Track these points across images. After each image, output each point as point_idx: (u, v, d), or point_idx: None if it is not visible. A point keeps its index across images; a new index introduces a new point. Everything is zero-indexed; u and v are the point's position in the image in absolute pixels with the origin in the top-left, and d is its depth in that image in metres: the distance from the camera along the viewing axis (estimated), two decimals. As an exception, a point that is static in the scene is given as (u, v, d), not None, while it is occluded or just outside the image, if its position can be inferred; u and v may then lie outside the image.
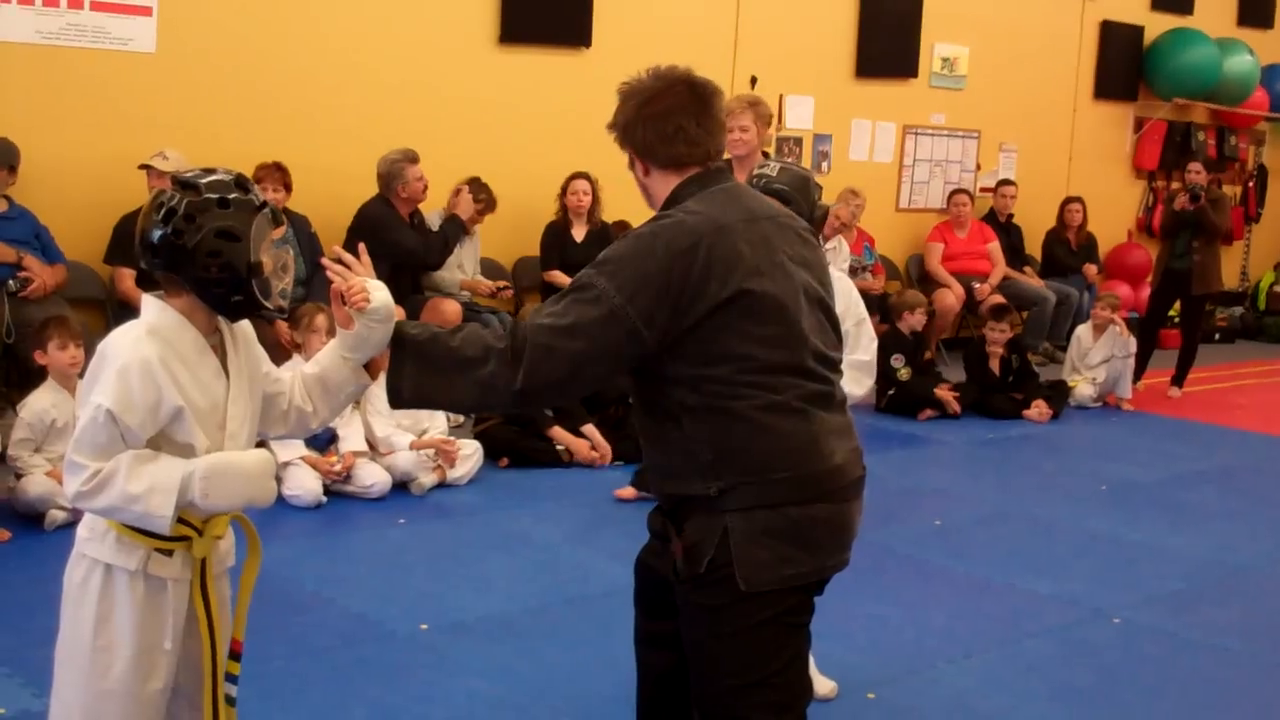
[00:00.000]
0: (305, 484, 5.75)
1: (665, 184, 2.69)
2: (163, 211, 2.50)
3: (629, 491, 6.01)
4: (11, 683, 3.85)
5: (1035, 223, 11.39)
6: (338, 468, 5.86)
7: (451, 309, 7.44)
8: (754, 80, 9.70)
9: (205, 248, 2.46)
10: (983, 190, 11.30)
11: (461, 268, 7.96)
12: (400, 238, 7.34)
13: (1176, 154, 12.83)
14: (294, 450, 5.84)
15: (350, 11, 7.75)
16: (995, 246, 10.65)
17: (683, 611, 2.71)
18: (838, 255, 9.68)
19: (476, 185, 7.87)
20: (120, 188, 6.81)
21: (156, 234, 2.50)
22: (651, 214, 2.69)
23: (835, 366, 2.72)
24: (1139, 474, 7.26)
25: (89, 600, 2.47)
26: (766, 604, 2.58)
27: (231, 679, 2.64)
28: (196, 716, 2.59)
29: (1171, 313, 10.08)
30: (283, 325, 6.73)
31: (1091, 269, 11.34)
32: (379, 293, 2.65)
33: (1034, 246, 11.41)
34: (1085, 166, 12.15)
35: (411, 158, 7.39)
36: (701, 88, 2.67)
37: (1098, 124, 12.27)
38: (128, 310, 6.70)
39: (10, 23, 6.64)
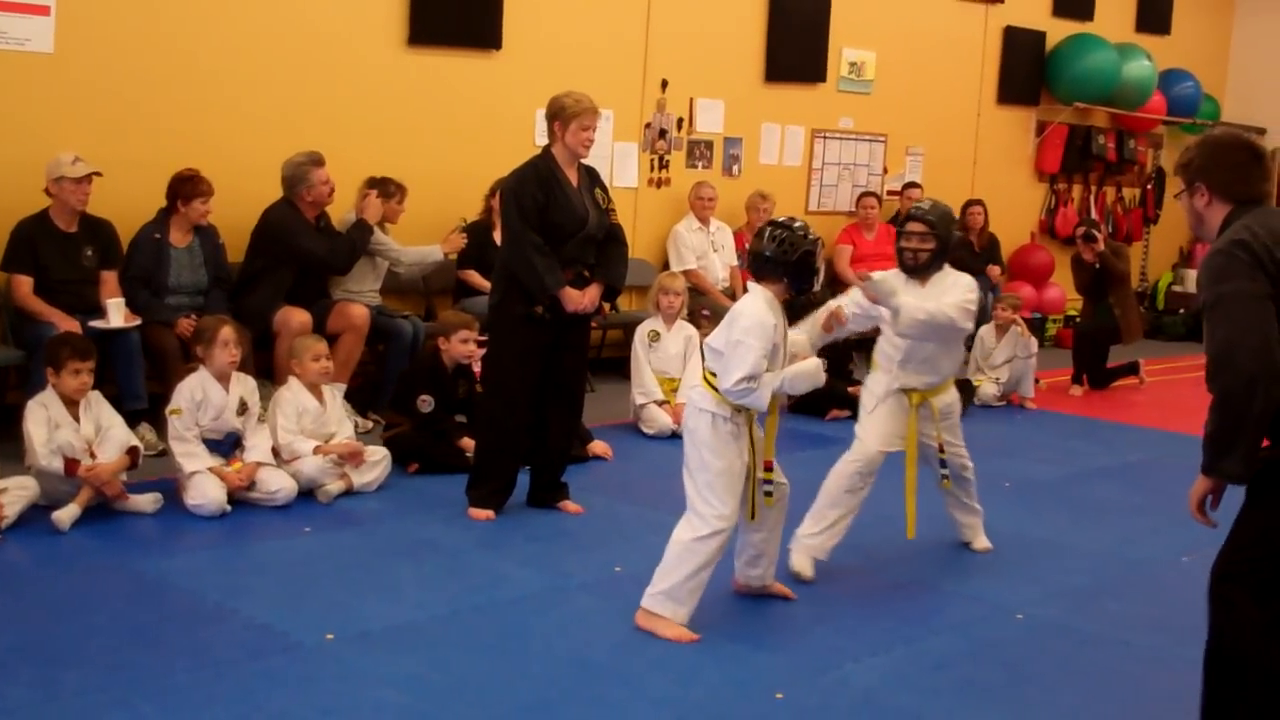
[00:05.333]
0: (209, 493, 5.65)
1: (1220, 213, 3.41)
2: (777, 240, 4.57)
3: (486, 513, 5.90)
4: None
5: (941, 225, 11.53)
6: (237, 479, 5.77)
7: (359, 314, 7.36)
8: (664, 84, 9.75)
9: (804, 261, 4.58)
10: (890, 193, 11.44)
11: (375, 269, 7.84)
12: (305, 243, 7.23)
13: (1077, 157, 13.10)
14: (200, 461, 5.75)
15: (257, 11, 7.65)
16: (902, 249, 10.76)
17: None
18: (722, 235, 9.75)
19: (383, 183, 7.77)
20: (16, 193, 6.66)
21: (772, 251, 4.57)
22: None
23: None
24: (1042, 471, 7.38)
25: (703, 432, 4.49)
26: None
27: (768, 482, 4.66)
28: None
29: (1073, 312, 10.29)
30: (184, 330, 6.62)
31: (995, 270, 11.52)
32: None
33: (940, 248, 11.56)
34: (989, 170, 12.34)
35: (317, 160, 7.28)
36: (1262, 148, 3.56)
37: (1001, 128, 12.48)
38: (23, 317, 6.56)
39: (-101, 22, 6.48)
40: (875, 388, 5.53)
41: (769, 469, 4.67)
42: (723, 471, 4.47)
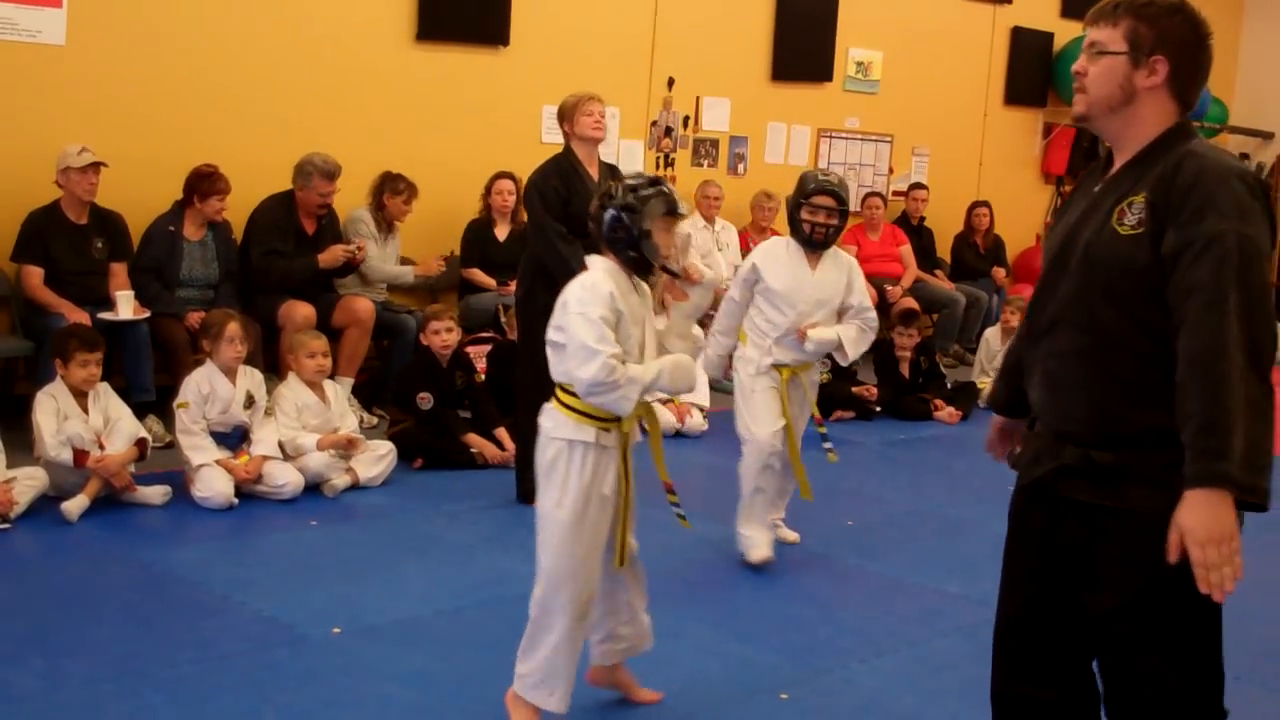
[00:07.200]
0: (216, 486, 5.68)
1: (1166, 113, 2.67)
2: (603, 192, 3.62)
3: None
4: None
5: (946, 226, 11.56)
6: (244, 472, 5.79)
7: (364, 309, 7.38)
8: (671, 81, 9.75)
9: (615, 218, 3.56)
10: (895, 194, 11.44)
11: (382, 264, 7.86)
12: (254, 250, 7.19)
13: (1084, 159, 13.08)
14: (207, 454, 5.78)
15: (267, 7, 7.66)
16: (907, 250, 10.79)
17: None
18: (727, 234, 9.76)
19: (394, 180, 7.79)
20: (28, 185, 6.69)
21: (601, 213, 3.61)
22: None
23: None
24: (1046, 474, 7.37)
25: (558, 469, 3.52)
26: None
27: (676, 505, 3.83)
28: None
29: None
30: (194, 324, 6.65)
31: (1000, 272, 11.52)
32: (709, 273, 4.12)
33: (945, 249, 11.58)
34: (995, 171, 12.34)
35: (328, 173, 7.23)
36: None
37: (1008, 129, 12.46)
38: (34, 308, 6.59)
39: (-89, 13, 6.49)
40: (749, 361, 5.35)
41: (671, 491, 3.83)
42: (573, 517, 3.54)
